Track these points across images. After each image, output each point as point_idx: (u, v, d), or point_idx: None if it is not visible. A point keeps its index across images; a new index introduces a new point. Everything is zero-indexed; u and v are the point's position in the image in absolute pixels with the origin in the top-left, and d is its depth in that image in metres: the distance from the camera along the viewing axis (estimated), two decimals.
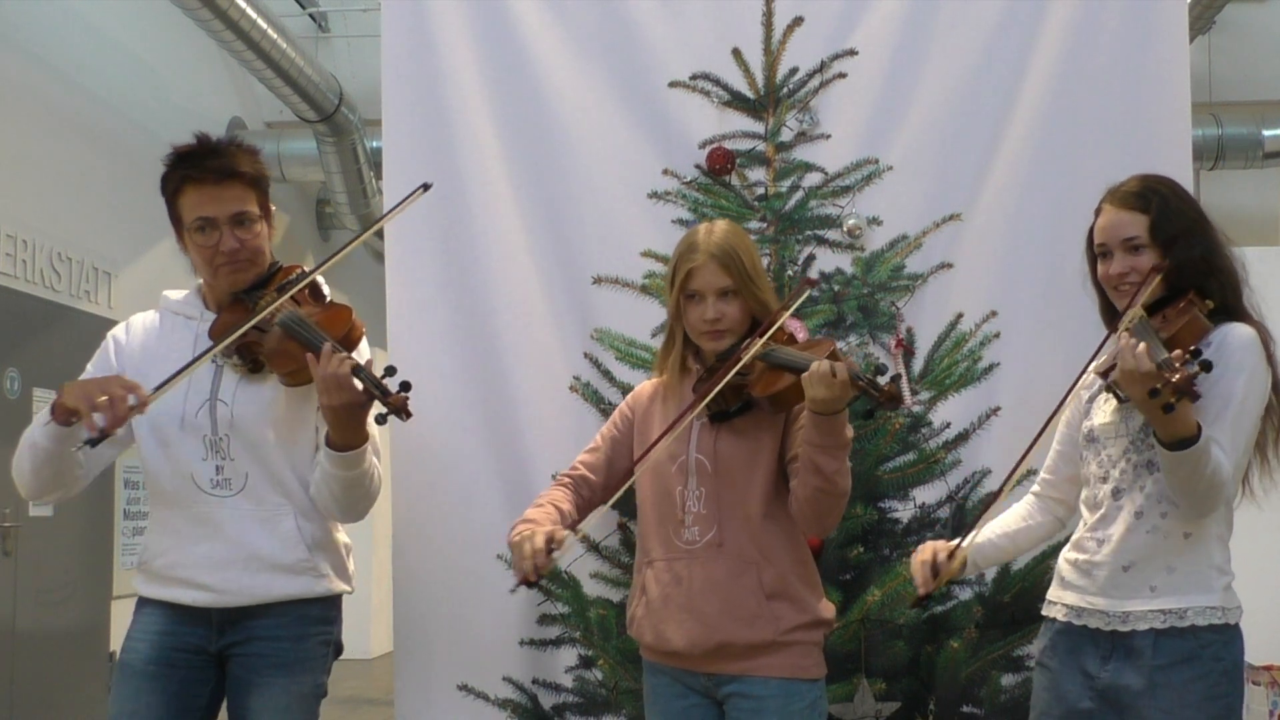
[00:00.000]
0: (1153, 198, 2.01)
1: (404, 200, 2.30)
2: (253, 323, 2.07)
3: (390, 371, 1.95)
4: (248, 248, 2.15)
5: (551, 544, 1.93)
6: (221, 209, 2.12)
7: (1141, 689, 1.92)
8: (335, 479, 2.09)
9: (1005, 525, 2.24)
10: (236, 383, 2.15)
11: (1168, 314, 1.96)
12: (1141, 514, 1.98)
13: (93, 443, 1.93)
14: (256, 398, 2.14)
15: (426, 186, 2.31)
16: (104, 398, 1.91)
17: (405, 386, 1.93)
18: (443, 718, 2.72)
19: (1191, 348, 1.74)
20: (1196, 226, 2.00)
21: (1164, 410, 1.73)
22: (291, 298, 2.13)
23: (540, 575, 1.92)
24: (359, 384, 1.96)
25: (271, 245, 2.24)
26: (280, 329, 2.08)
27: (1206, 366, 1.72)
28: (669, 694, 2.11)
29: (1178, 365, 1.71)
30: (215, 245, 2.13)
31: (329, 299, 2.24)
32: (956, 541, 2.10)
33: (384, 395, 1.92)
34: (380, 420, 1.97)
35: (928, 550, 2.10)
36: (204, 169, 2.11)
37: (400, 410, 1.92)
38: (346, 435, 2.04)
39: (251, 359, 2.14)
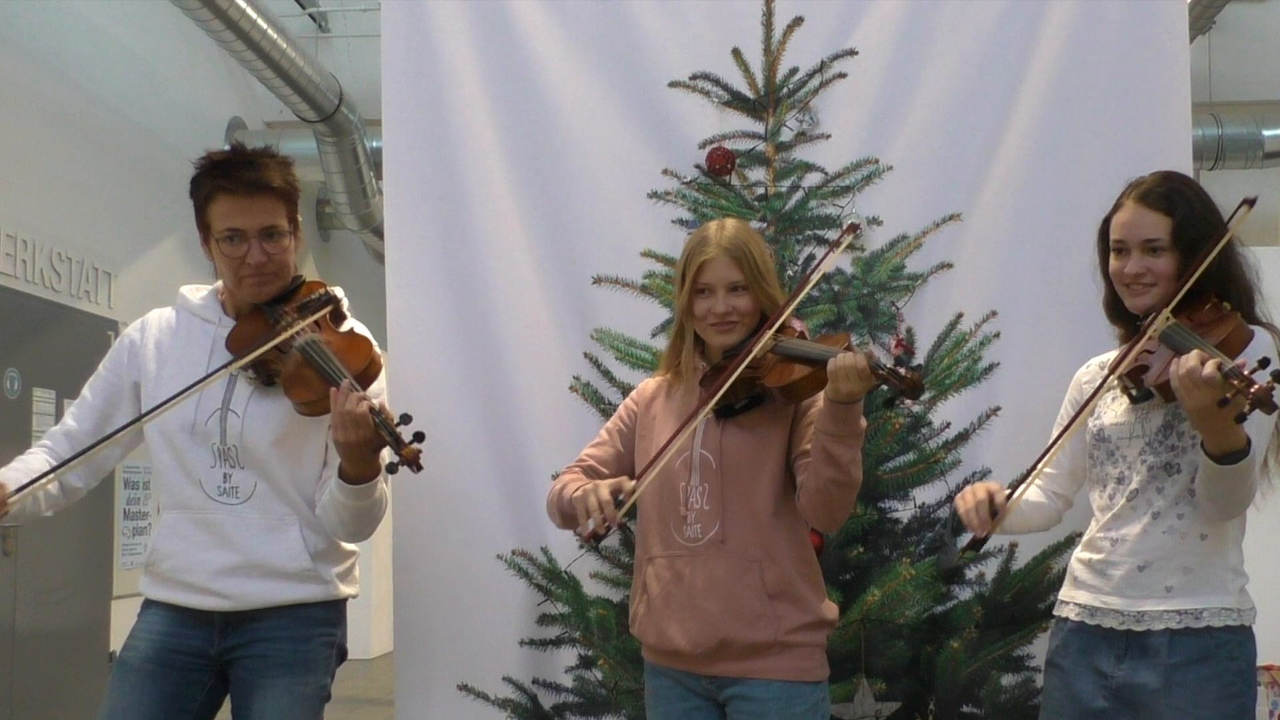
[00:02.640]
0: (1178, 200, 1.99)
1: None
2: (272, 344, 2.07)
3: (406, 419, 1.95)
4: (274, 261, 2.16)
5: (619, 494, 1.92)
6: (252, 221, 2.12)
7: (1158, 687, 1.92)
8: (346, 508, 2.11)
9: (1029, 496, 2.22)
10: (249, 395, 2.16)
11: (1195, 317, 1.94)
12: (1159, 515, 1.97)
13: None
14: (267, 412, 2.14)
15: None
16: None
17: (419, 437, 1.93)
18: (443, 718, 2.72)
19: (1261, 356, 1.70)
20: (1217, 232, 1.98)
21: (1237, 420, 1.70)
22: (315, 321, 2.13)
23: (609, 529, 1.90)
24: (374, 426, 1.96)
25: (296, 257, 2.25)
26: (299, 354, 2.08)
27: (1279, 376, 1.67)
28: (670, 696, 2.11)
29: (1247, 374, 1.67)
30: (242, 257, 2.14)
31: (349, 322, 2.23)
32: (1008, 488, 2.00)
33: (397, 445, 1.92)
34: (391, 469, 1.97)
35: (981, 489, 2.00)
36: (238, 180, 2.12)
37: (412, 462, 1.91)
38: (360, 468, 2.05)
39: (266, 374, 2.14)
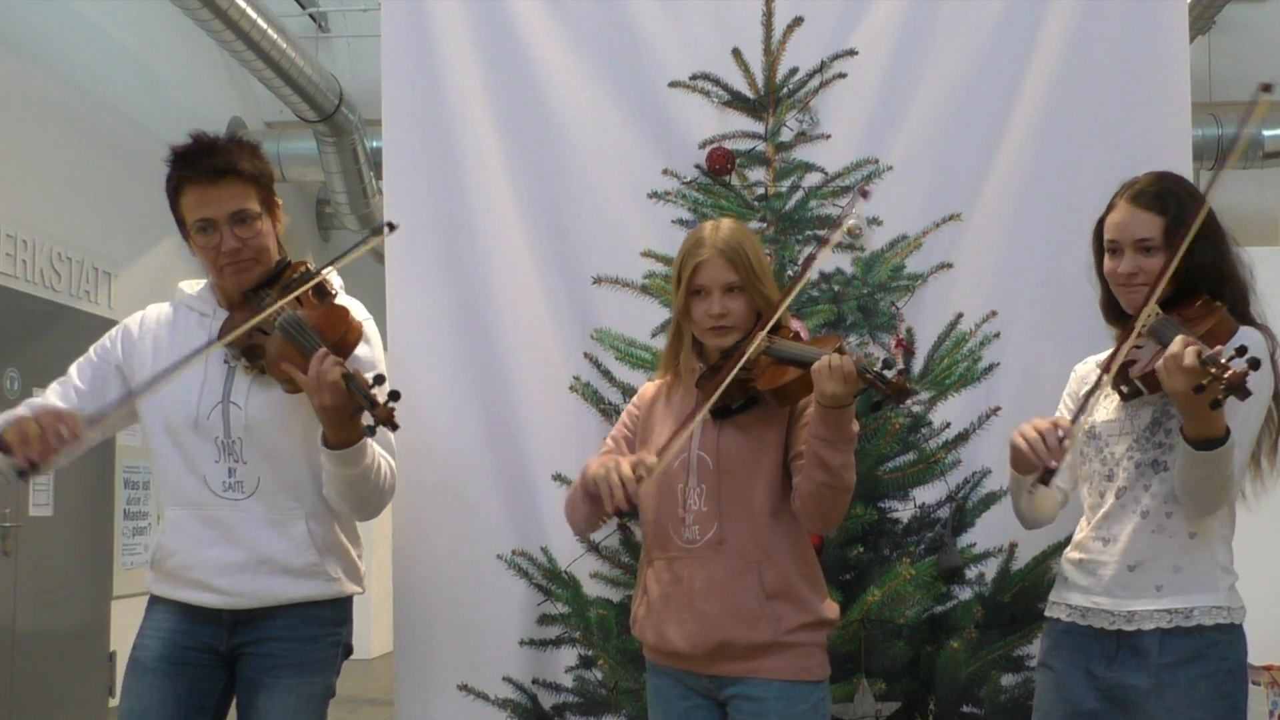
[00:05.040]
0: (1170, 200, 1.99)
1: (361, 243, 2.28)
2: (252, 324, 2.06)
3: (380, 380, 1.94)
4: (250, 246, 2.14)
5: (640, 469, 1.93)
6: (219, 208, 2.11)
7: (1149, 688, 1.92)
8: (337, 477, 2.09)
9: None
10: (249, 385, 2.15)
11: (1185, 313, 1.95)
12: (1148, 514, 1.98)
13: (22, 474, 1.96)
14: (270, 400, 2.13)
15: (392, 226, 2.30)
16: (36, 429, 1.95)
17: (394, 396, 1.91)
18: (443, 718, 2.72)
19: (1238, 345, 1.73)
20: (1210, 232, 1.98)
21: (1211, 406, 1.72)
22: (295, 298, 2.11)
23: (631, 504, 1.91)
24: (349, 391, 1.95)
25: (280, 240, 2.24)
26: (280, 333, 2.07)
27: (1255, 364, 1.69)
28: (671, 695, 2.11)
29: (1224, 361, 1.69)
30: (217, 246, 2.12)
31: (335, 296, 2.22)
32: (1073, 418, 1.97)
33: (371, 406, 1.91)
34: (369, 432, 1.96)
35: (1043, 422, 1.95)
36: (200, 169, 2.10)
37: (386, 421, 1.90)
38: (341, 434, 2.04)
39: (260, 361, 2.13)
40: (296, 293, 2.11)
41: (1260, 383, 1.92)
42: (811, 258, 2.14)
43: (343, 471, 2.08)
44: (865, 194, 2.16)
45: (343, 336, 2.08)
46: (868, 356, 2.63)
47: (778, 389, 1.99)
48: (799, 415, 2.06)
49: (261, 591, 2.13)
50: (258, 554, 2.13)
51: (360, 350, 2.14)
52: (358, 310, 2.26)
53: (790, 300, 2.09)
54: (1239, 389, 1.68)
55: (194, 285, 2.30)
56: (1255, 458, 2.00)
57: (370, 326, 2.24)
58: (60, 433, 1.96)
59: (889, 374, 1.81)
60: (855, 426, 1.94)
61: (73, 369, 2.25)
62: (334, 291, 2.23)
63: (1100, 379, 2.04)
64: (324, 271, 2.20)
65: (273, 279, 2.18)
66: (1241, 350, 1.71)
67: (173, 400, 2.15)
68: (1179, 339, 1.78)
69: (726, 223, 2.12)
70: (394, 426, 1.92)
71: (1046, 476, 1.94)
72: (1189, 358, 1.73)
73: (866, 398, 1.93)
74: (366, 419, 1.95)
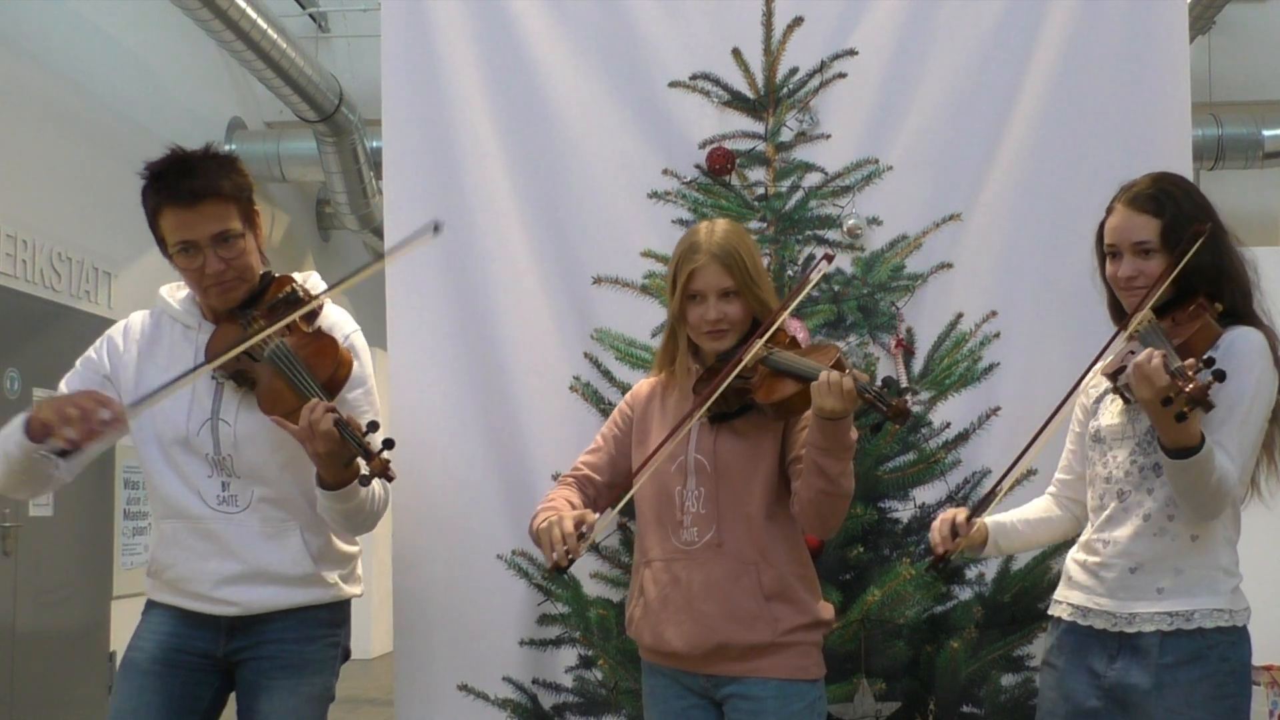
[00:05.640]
0: (1167, 202, 1.99)
1: (411, 238, 2.24)
2: (238, 350, 2.05)
3: (373, 427, 1.94)
4: (234, 267, 2.11)
5: (582, 526, 1.92)
6: (201, 231, 2.07)
7: (1149, 688, 1.92)
8: (334, 511, 2.11)
9: (1026, 514, 2.23)
10: (238, 402, 2.13)
11: (1178, 317, 1.95)
12: (1149, 516, 1.97)
13: (64, 454, 1.94)
14: (259, 417, 2.11)
15: (437, 229, 2.23)
16: (75, 411, 1.92)
17: (388, 444, 1.91)
18: (443, 718, 2.72)
19: (1205, 356, 1.73)
20: (1192, 233, 1.99)
21: (1176, 419, 1.73)
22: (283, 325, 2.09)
23: (572, 560, 1.90)
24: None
25: (265, 247, 2.22)
26: (270, 364, 2.06)
27: (1220, 376, 1.70)
28: (668, 695, 2.11)
29: (1190, 374, 1.70)
30: (200, 268, 2.09)
31: (326, 309, 2.21)
32: (972, 511, 2.08)
33: (367, 457, 1.91)
34: (364, 482, 1.96)
35: (948, 514, 2.09)
36: (178, 192, 2.06)
37: (382, 473, 1.90)
38: (336, 475, 2.04)
39: (249, 382, 2.12)
40: (284, 321, 2.08)
41: (1265, 380, 1.93)
42: (806, 276, 2.14)
43: (338, 506, 2.09)
44: (830, 258, 2.19)
45: (333, 374, 2.07)
46: (867, 358, 2.64)
47: (777, 402, 1.98)
48: (796, 419, 2.06)
49: (258, 600, 2.13)
50: (253, 566, 2.13)
51: (353, 371, 2.14)
52: (344, 321, 2.25)
53: (788, 312, 2.08)
54: (1202, 402, 1.69)
55: (175, 292, 2.27)
56: (1270, 454, 2.00)
57: (358, 339, 2.24)
58: (102, 416, 1.93)
59: (888, 393, 1.81)
60: (854, 434, 1.94)
61: (63, 384, 2.25)
62: (320, 309, 2.21)
63: (1080, 381, 2.04)
64: (322, 295, 2.18)
65: (258, 295, 2.16)
66: (1209, 361, 1.72)
67: (163, 417, 2.14)
68: (1147, 350, 1.79)
69: (721, 225, 2.11)
70: (389, 478, 1.92)
71: (937, 563, 2.06)
72: (1155, 371, 1.74)
73: (867, 419, 1.93)
74: (362, 467, 1.95)
